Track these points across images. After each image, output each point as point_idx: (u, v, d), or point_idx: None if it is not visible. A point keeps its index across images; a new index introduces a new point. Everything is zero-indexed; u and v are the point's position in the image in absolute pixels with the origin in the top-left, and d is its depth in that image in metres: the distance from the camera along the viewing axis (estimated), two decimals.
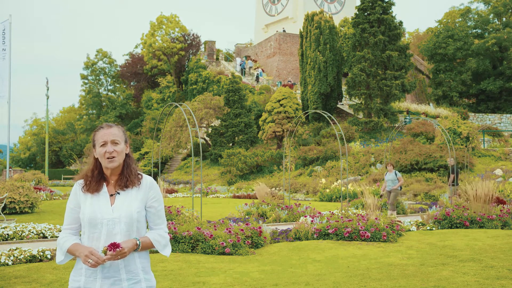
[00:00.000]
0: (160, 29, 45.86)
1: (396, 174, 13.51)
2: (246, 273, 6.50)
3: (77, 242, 2.51)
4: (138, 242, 2.48)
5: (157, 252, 7.49)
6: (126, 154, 2.60)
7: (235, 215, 13.14)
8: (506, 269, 6.52)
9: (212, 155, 32.44)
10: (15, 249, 7.59)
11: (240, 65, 44.59)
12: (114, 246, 2.36)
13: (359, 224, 9.26)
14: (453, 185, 15.55)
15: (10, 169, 30.52)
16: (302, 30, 34.31)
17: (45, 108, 62.78)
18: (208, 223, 9.46)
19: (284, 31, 47.14)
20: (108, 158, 2.51)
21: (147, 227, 2.66)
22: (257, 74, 43.00)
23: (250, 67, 45.72)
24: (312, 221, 10.15)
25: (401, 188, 13.86)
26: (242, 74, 44.04)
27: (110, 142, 2.53)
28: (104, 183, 2.57)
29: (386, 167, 14.15)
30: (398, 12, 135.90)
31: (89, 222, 2.48)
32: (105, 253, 2.37)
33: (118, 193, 2.54)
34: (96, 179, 2.56)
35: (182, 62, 47.20)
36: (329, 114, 14.33)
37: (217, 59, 50.48)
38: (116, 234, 2.46)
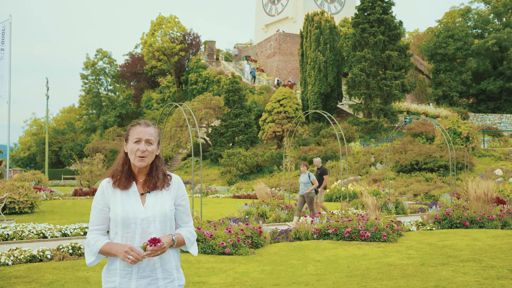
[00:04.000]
0: (159, 29, 45.87)
1: (309, 176, 11.95)
2: (246, 273, 6.50)
3: (109, 241, 2.47)
4: (174, 237, 2.47)
5: None
6: (156, 156, 2.57)
7: (235, 215, 13.14)
8: (506, 269, 6.52)
9: (212, 155, 32.45)
10: (15, 249, 7.58)
11: (251, 72, 44.10)
12: (155, 241, 2.33)
13: (359, 224, 9.26)
14: (316, 191, 12.52)
15: (10, 169, 30.52)
16: (302, 30, 34.33)
17: (45, 108, 62.82)
18: (208, 223, 9.46)
19: (283, 31, 47.12)
20: (139, 157, 2.48)
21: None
22: (277, 80, 43.02)
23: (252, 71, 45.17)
24: (312, 221, 10.16)
25: (316, 191, 12.28)
26: (251, 81, 43.71)
27: (145, 141, 2.50)
28: (133, 182, 2.54)
29: (299, 168, 12.44)
30: (398, 12, 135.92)
31: (123, 222, 2.43)
32: (145, 249, 2.33)
33: (149, 192, 2.51)
34: (126, 175, 2.52)
35: (182, 62, 47.21)
36: (329, 114, 14.32)
37: (217, 59, 50.47)
38: (151, 233, 2.44)
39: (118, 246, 2.40)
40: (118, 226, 2.46)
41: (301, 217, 11.24)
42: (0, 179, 23.10)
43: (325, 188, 13.04)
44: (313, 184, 11.86)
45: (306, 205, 12.15)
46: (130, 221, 2.44)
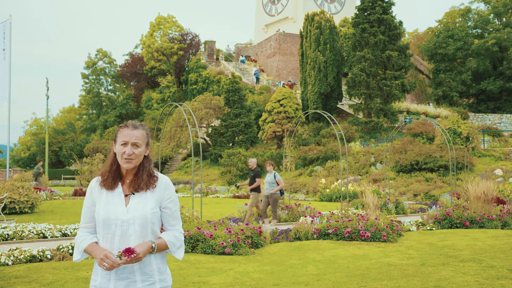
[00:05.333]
0: (158, 30, 45.87)
1: (275, 177, 11.55)
2: (246, 273, 6.50)
3: (94, 241, 2.49)
4: (153, 245, 2.45)
5: None
6: (145, 156, 2.57)
7: (235, 215, 13.14)
8: (506, 269, 6.52)
9: (212, 155, 32.44)
10: (15, 249, 7.58)
11: (255, 74, 44.54)
12: (128, 251, 2.33)
13: (359, 224, 9.26)
14: (255, 191, 11.95)
15: (10, 169, 30.50)
16: (302, 30, 34.33)
17: (45, 108, 62.78)
18: (208, 223, 9.46)
19: (283, 31, 47.18)
20: (125, 159, 2.49)
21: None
22: (282, 83, 43.34)
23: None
24: (312, 221, 10.15)
25: (282, 193, 11.82)
26: (255, 82, 44.03)
27: (131, 144, 2.50)
28: (119, 182, 2.54)
29: (265, 168, 12.02)
30: (398, 12, 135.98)
31: (103, 223, 2.46)
32: (120, 258, 2.34)
33: (133, 194, 2.51)
34: (113, 175, 2.53)
35: (182, 62, 47.22)
36: (329, 114, 14.30)
37: (217, 59, 50.51)
38: (130, 236, 2.44)
39: (97, 250, 2.42)
40: (99, 226, 2.49)
41: (302, 217, 11.21)
42: (37, 180, 23.47)
43: (258, 191, 12.04)
44: (278, 185, 11.48)
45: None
46: (110, 222, 2.45)
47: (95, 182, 2.57)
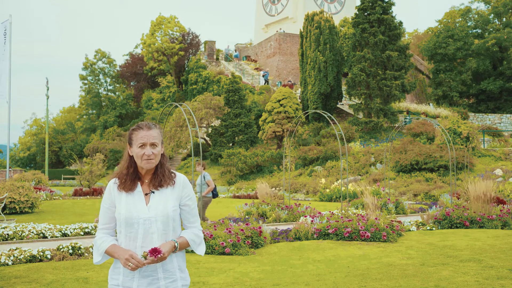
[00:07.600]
0: (159, 30, 45.89)
1: (204, 177, 10.76)
2: (246, 273, 6.50)
3: (114, 243, 2.52)
4: (176, 244, 2.49)
5: None
6: (161, 154, 2.61)
7: (235, 215, 13.14)
8: (506, 269, 6.52)
9: (212, 155, 32.45)
10: (15, 249, 7.58)
11: (263, 76, 44.62)
12: (155, 252, 2.37)
13: (359, 224, 9.26)
14: (216, 195, 11.25)
15: (10, 169, 30.49)
16: (302, 30, 34.34)
17: (45, 108, 62.78)
18: (208, 223, 9.46)
19: (283, 31, 47.18)
20: (145, 160, 2.51)
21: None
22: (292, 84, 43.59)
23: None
24: (312, 221, 10.15)
25: (216, 195, 11.00)
26: (265, 84, 44.19)
27: (149, 145, 2.52)
28: (138, 182, 2.57)
29: (195, 168, 11.18)
30: (398, 12, 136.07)
31: (126, 222, 2.48)
32: (145, 258, 2.38)
33: (153, 192, 2.55)
34: (131, 178, 2.55)
35: (182, 62, 47.23)
36: (329, 114, 14.29)
37: (217, 59, 50.54)
38: (153, 233, 2.48)
39: (120, 251, 2.45)
40: (121, 225, 2.51)
41: (302, 217, 11.20)
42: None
43: None
44: (209, 186, 10.82)
45: None
46: (133, 221, 2.48)
47: (113, 183, 2.60)
